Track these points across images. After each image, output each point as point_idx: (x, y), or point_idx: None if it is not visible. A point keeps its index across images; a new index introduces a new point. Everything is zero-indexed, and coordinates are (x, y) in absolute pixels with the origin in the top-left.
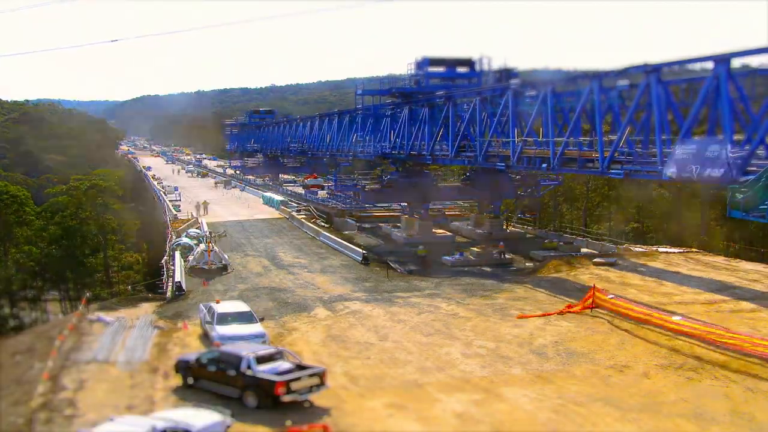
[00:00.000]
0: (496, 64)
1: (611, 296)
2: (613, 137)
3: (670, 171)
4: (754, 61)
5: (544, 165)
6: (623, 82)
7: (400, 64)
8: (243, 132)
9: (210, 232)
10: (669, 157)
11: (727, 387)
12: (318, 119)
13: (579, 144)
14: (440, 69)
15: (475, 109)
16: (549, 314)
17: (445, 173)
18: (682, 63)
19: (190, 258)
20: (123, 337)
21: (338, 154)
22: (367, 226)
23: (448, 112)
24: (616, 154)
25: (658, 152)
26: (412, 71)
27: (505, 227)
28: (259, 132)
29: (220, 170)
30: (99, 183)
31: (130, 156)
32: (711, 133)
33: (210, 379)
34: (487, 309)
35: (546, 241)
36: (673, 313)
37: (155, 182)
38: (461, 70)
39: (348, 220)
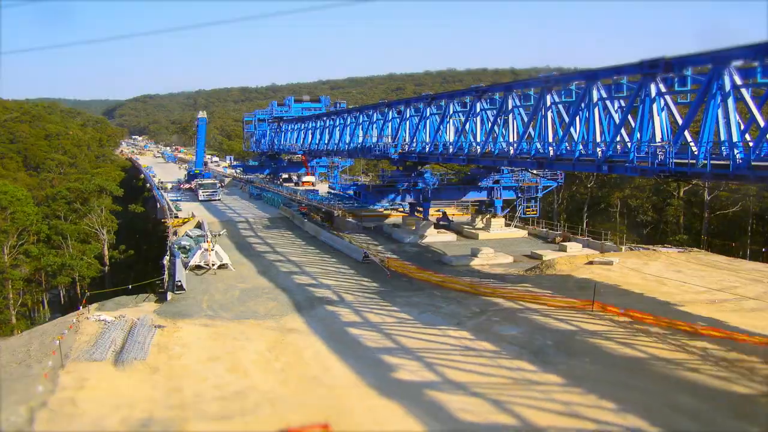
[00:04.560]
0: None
1: (622, 311)
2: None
3: None
4: None
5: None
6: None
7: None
8: (274, 127)
9: (210, 232)
10: None
11: (729, 386)
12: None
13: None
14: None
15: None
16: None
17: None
18: None
19: (191, 257)
20: (123, 336)
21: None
22: (368, 225)
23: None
24: None
25: None
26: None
27: (507, 226)
28: (300, 127)
29: (220, 169)
30: (101, 183)
31: (130, 155)
32: None
33: None
34: (488, 308)
35: (549, 240)
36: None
37: (155, 181)
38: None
39: (349, 219)
